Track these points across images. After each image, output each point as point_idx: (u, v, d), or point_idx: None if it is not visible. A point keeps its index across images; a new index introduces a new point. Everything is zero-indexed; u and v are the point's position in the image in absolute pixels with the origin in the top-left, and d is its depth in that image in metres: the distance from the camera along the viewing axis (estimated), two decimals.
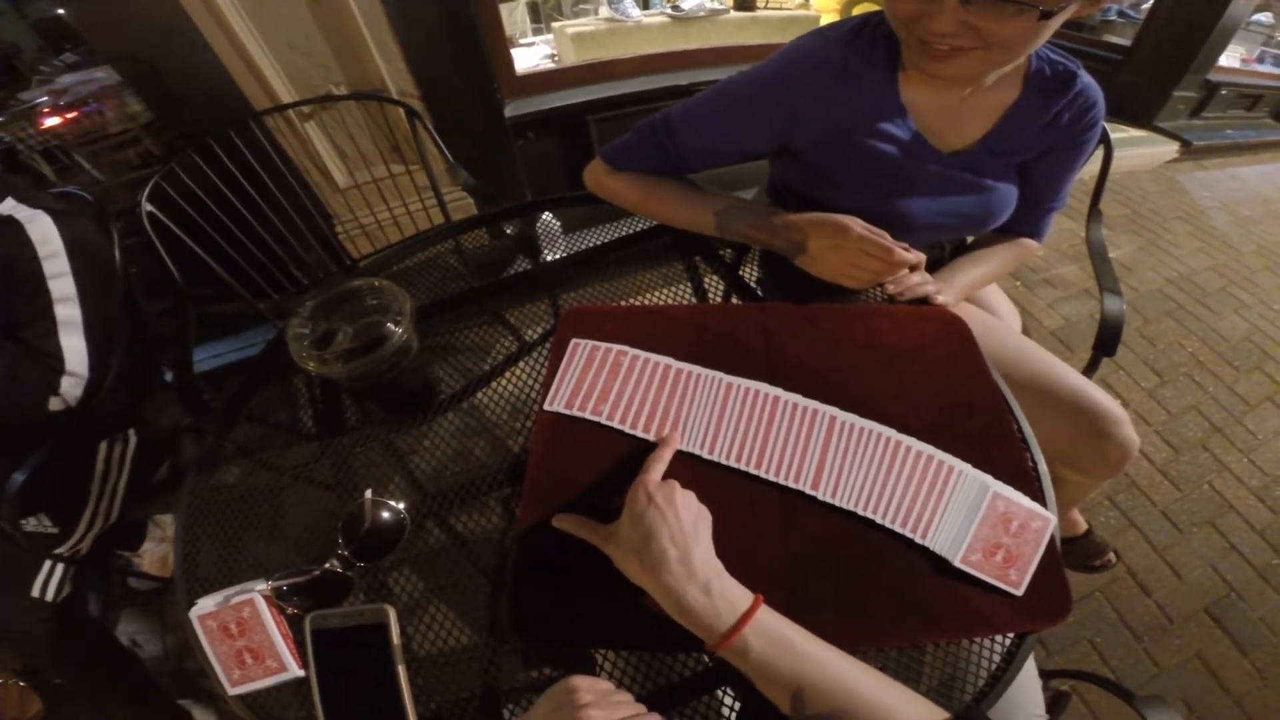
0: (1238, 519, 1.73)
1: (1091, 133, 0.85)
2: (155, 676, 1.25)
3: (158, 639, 1.43)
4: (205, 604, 0.58)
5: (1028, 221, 0.97)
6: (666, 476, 0.59)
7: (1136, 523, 1.70)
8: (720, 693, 0.58)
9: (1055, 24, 0.63)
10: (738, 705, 0.56)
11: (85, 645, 1.14)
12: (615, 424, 0.69)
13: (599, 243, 1.06)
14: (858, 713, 0.45)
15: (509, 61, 1.94)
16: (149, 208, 1.19)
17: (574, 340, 0.77)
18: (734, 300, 0.97)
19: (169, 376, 1.34)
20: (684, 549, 0.50)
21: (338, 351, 0.69)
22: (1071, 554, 1.32)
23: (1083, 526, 1.33)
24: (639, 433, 0.68)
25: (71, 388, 1.00)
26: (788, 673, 0.46)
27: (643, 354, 0.75)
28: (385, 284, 0.72)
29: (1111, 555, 1.31)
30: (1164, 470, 1.83)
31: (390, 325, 0.68)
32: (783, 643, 0.47)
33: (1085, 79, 0.81)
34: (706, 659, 0.58)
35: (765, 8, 2.80)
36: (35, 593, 1.04)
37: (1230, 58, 3.83)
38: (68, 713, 1.24)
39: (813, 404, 0.68)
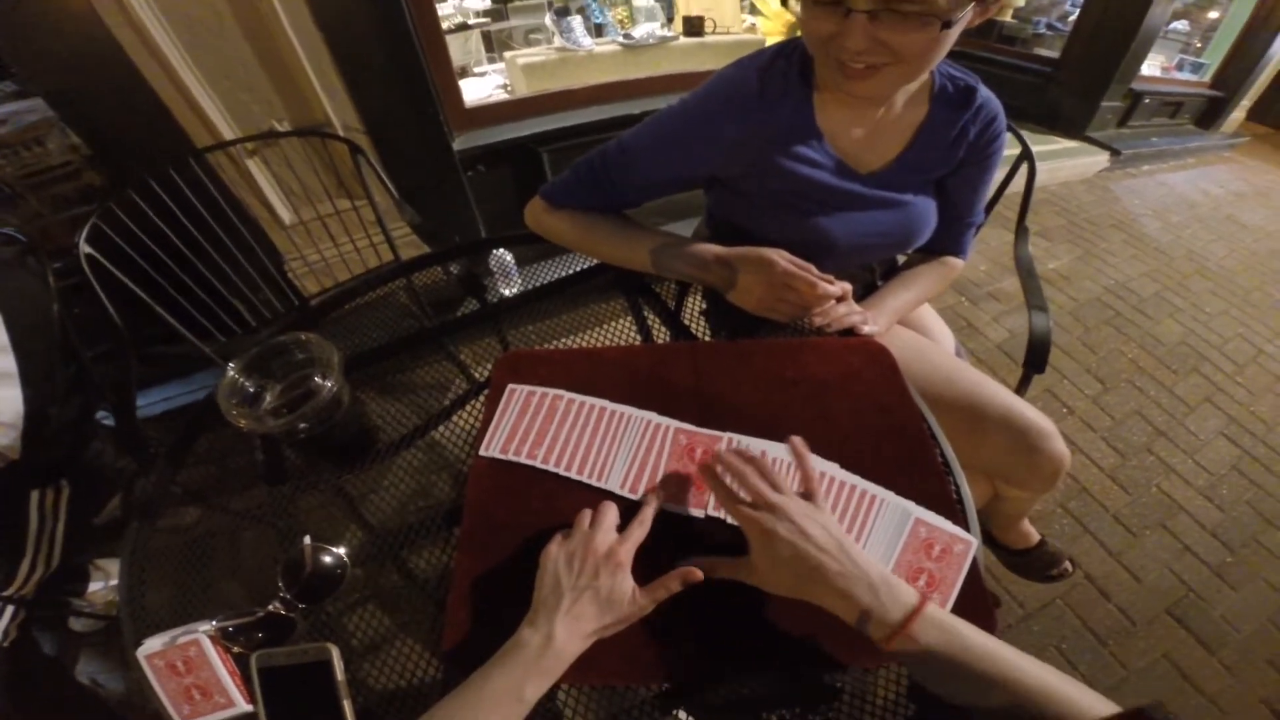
0: (1188, 519, 1.78)
1: (996, 144, 0.89)
2: (120, 712, 1.24)
3: (118, 677, 1.39)
4: (152, 644, 0.59)
5: (950, 239, 1.00)
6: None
7: (1090, 528, 1.73)
8: (678, 714, 0.58)
9: (955, 33, 0.67)
10: None
11: (41, 687, 1.13)
12: (550, 467, 0.69)
13: (551, 279, 1.06)
14: (1027, 699, 0.45)
15: (457, 94, 1.95)
16: (87, 249, 1.15)
17: (510, 386, 0.78)
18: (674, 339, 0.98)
19: (109, 421, 1.30)
20: (838, 552, 0.52)
21: (267, 409, 0.69)
22: (1028, 565, 1.31)
23: (1035, 537, 1.31)
24: (573, 475, 0.69)
25: (8, 440, 0.96)
26: (960, 662, 0.47)
27: (577, 397, 0.75)
28: (312, 337, 0.71)
29: (1068, 564, 1.30)
30: (1112, 475, 1.88)
31: (318, 379, 0.68)
32: (953, 633, 0.48)
33: (985, 92, 0.86)
34: (664, 686, 0.58)
35: (713, 33, 2.86)
36: None
37: (1151, 66, 4.02)
38: None
39: (741, 438, 0.69)
